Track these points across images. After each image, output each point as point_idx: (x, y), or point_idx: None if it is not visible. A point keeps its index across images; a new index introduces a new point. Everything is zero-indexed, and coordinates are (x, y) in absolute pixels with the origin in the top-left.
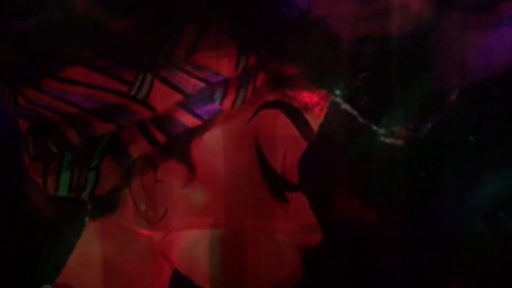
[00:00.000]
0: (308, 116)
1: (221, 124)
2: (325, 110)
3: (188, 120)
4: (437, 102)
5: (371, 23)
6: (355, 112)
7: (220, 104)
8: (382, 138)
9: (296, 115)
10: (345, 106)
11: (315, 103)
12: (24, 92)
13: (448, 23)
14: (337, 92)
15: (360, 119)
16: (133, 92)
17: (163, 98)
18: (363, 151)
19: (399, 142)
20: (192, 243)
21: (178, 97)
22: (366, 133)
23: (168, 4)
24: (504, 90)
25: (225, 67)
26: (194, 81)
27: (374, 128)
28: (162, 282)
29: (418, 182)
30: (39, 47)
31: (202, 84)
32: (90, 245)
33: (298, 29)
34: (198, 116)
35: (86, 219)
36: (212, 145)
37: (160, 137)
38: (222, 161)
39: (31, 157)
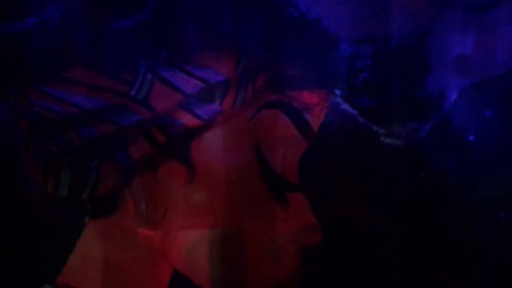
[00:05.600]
0: (308, 116)
1: (221, 124)
2: (325, 110)
3: (188, 120)
4: (437, 102)
5: (371, 23)
6: (355, 112)
7: (220, 104)
8: (382, 138)
9: (296, 115)
10: (345, 106)
11: (315, 103)
12: (24, 92)
13: (448, 23)
14: (337, 92)
15: (360, 119)
16: (133, 92)
17: (163, 98)
18: (363, 151)
19: (399, 142)
20: (192, 243)
21: (178, 97)
22: (366, 133)
23: (168, 4)
24: (504, 90)
25: (225, 67)
26: (194, 81)
27: (374, 128)
28: (162, 282)
29: (418, 182)
30: (39, 47)
31: (202, 84)
32: (90, 245)
33: (298, 29)
34: (198, 116)
35: (86, 219)
36: (212, 145)
37: (160, 137)
38: (222, 161)
39: (31, 157)
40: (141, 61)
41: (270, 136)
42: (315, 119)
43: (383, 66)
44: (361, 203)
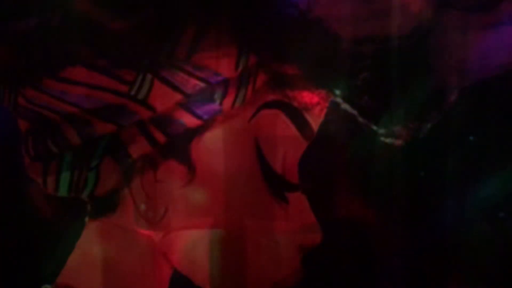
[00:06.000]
0: (308, 116)
1: (221, 124)
2: (325, 110)
3: (188, 120)
4: (437, 102)
5: (371, 23)
6: (355, 112)
7: (220, 104)
8: (382, 138)
9: (296, 115)
10: (345, 106)
11: (315, 103)
12: (24, 92)
13: (448, 23)
14: (337, 92)
15: (360, 119)
16: (133, 92)
17: (163, 98)
18: (363, 151)
19: (399, 142)
20: (192, 243)
21: (178, 97)
22: (366, 133)
23: (168, 4)
24: (504, 90)
25: (225, 67)
26: (194, 81)
27: (374, 128)
28: (162, 282)
29: (418, 182)
30: (39, 47)
31: (202, 84)
32: (90, 245)
33: (298, 29)
34: (198, 116)
35: (86, 219)
36: (212, 145)
37: (160, 137)
38: (222, 161)
39: (31, 157)
40: (141, 61)
41: (270, 136)
42: (315, 119)
43: (383, 66)
44: (361, 203)
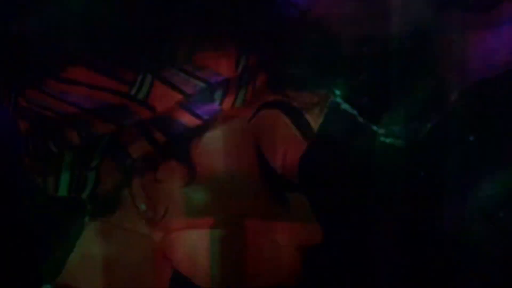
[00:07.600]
0: (308, 116)
1: (221, 124)
2: (325, 110)
3: (188, 120)
4: (437, 102)
5: (371, 24)
6: (355, 112)
7: (220, 104)
8: (382, 138)
9: (296, 115)
10: (345, 106)
11: (315, 103)
12: (24, 92)
13: (448, 23)
14: (337, 92)
15: (360, 119)
16: (133, 92)
17: (163, 98)
18: (363, 151)
19: (399, 142)
20: (192, 243)
21: (178, 97)
22: (366, 133)
23: (168, 4)
24: (504, 90)
25: (225, 67)
26: (194, 81)
27: (374, 128)
28: (162, 282)
29: (418, 182)
30: (39, 47)
31: (202, 84)
32: (90, 245)
33: (298, 29)
34: (198, 116)
35: (86, 219)
36: (212, 145)
37: (160, 137)
38: (222, 161)
39: (31, 157)
40: (141, 61)
41: (270, 136)
42: (315, 119)
43: (383, 66)
44: (361, 203)
